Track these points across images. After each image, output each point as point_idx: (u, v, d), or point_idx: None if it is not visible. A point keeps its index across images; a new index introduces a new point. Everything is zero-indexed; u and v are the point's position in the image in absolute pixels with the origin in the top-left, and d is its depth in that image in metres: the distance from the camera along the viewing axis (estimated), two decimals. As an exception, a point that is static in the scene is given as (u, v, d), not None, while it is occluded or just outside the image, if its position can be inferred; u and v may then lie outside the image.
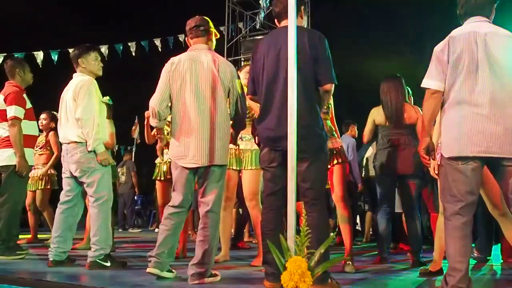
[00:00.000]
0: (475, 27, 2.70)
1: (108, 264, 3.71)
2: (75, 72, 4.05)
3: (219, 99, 3.18)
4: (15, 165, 4.51)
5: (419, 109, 4.41)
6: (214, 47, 3.45)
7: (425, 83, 2.81)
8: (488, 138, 2.55)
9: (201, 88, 3.17)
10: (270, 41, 3.00)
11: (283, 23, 3.04)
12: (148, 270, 3.14)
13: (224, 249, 4.47)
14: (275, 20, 3.19)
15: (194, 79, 3.18)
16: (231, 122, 3.32)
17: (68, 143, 3.87)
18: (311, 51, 2.84)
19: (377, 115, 4.47)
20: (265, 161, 2.98)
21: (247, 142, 4.23)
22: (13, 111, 4.52)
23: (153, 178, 4.93)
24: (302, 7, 3.10)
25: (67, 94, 3.94)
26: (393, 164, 4.30)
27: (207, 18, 3.43)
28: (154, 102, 3.22)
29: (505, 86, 2.60)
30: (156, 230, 8.23)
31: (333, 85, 2.93)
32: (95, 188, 3.81)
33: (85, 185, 3.86)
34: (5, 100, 4.57)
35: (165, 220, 3.22)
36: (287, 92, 2.65)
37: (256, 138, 3.10)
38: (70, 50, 4.15)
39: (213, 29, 3.44)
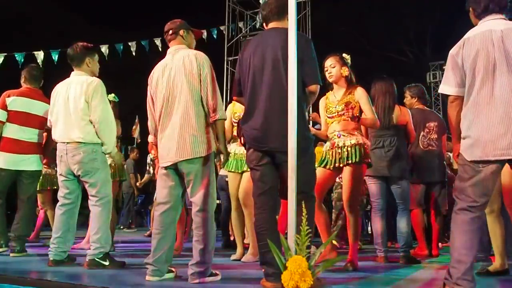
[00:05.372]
0: (491, 26, 2.64)
1: (107, 263, 3.71)
2: (72, 70, 4.00)
3: (184, 97, 3.12)
4: (37, 170, 4.79)
5: (408, 111, 4.53)
6: (193, 43, 3.42)
7: (442, 89, 2.78)
8: (509, 140, 2.48)
9: (168, 90, 3.17)
10: (258, 42, 3.02)
11: (270, 25, 3.09)
12: (147, 278, 3.13)
13: (250, 247, 4.48)
14: (263, 23, 3.19)
15: (163, 83, 3.19)
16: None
17: (69, 143, 3.81)
18: (297, 52, 2.83)
19: None
20: (252, 160, 2.95)
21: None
22: None
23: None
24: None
25: (71, 93, 3.84)
26: (379, 165, 4.41)
27: (177, 21, 3.38)
28: (148, 122, 3.39)
29: None
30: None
31: (318, 86, 2.95)
32: (99, 188, 3.81)
33: (87, 185, 3.84)
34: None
35: (155, 224, 3.22)
36: (273, 92, 2.73)
37: (242, 138, 3.06)
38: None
39: (184, 28, 3.34)
